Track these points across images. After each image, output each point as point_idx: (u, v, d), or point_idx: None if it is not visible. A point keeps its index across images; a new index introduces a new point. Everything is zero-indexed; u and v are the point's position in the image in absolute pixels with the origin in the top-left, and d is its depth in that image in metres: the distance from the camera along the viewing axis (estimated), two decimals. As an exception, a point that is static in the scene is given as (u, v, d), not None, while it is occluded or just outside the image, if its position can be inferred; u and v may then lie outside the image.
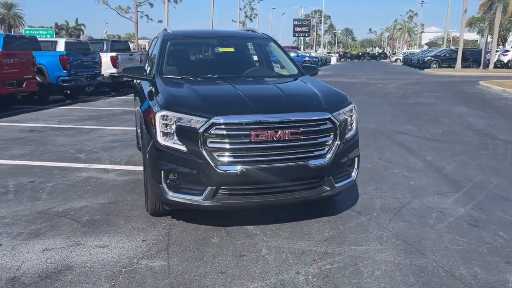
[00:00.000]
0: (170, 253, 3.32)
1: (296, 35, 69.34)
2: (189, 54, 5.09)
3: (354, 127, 3.95)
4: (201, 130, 3.31)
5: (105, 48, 18.15)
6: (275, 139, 3.38)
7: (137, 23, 41.00)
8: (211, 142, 3.34)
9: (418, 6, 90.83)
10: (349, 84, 20.86)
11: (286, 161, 3.46)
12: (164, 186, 3.49)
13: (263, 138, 3.36)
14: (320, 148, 3.58)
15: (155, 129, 3.49)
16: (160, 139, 3.47)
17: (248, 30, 5.80)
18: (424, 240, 3.55)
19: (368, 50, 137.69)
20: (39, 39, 15.75)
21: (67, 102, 13.47)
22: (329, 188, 3.67)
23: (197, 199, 3.43)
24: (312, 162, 3.53)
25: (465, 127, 8.89)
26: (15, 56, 11.18)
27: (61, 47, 15.64)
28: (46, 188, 4.87)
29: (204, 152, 3.33)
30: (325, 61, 53.51)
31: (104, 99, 14.43)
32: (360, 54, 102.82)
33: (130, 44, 25.32)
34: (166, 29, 5.30)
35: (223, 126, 3.33)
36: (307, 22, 69.92)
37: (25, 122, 9.56)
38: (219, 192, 3.42)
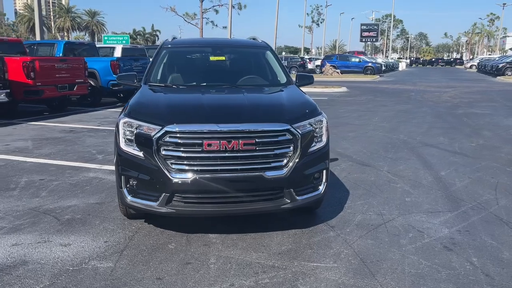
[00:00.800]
0: (122, 255, 3.43)
1: (364, 40, 67.74)
2: (182, 62, 5.20)
3: (323, 139, 3.84)
4: (155, 138, 3.40)
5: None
6: (228, 149, 3.38)
7: (202, 29, 42.45)
8: (164, 149, 3.42)
9: (500, 9, 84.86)
10: (403, 91, 20.04)
11: (240, 172, 3.44)
12: (125, 190, 3.62)
13: (215, 147, 3.37)
14: (278, 160, 3.52)
15: (119, 135, 3.64)
16: (122, 145, 3.61)
17: (253, 39, 5.82)
18: (383, 261, 3.36)
19: (444, 55, 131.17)
20: (103, 45, 16.88)
21: (117, 104, 14.24)
22: (289, 201, 3.60)
23: (153, 205, 3.52)
24: (269, 174, 3.48)
25: (506, 141, 8.21)
26: (68, 61, 12.04)
27: (118, 52, 16.62)
28: (50, 186, 5.22)
29: (158, 159, 3.42)
30: (391, 67, 51.80)
31: (152, 102, 15.05)
32: (433, 60, 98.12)
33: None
34: (168, 39, 5.48)
35: (175, 135, 3.39)
36: (375, 26, 68.04)
37: (69, 123, 10.27)
38: (173, 199, 3.48)
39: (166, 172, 3.41)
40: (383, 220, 4.20)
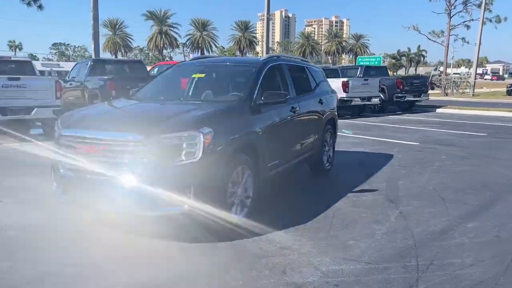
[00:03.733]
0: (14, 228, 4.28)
1: None
2: (171, 80, 5.73)
3: (197, 155, 3.77)
4: (56, 138, 4.18)
5: (358, 72, 19.19)
6: (90, 153, 3.85)
7: (447, 47, 39.34)
8: (61, 148, 4.14)
9: None
10: None
11: (102, 175, 3.84)
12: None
13: (83, 150, 3.90)
14: (132, 168, 3.73)
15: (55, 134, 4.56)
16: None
17: (277, 56, 5.80)
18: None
19: None
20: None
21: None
22: (147, 209, 3.76)
23: (58, 192, 4.27)
24: (124, 180, 3.75)
25: None
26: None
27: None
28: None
29: (59, 155, 4.17)
30: None
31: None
32: None
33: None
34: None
35: (63, 137, 4.08)
36: None
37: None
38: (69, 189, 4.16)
39: (60, 166, 4.13)
40: (262, 252, 3.76)
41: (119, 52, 78.46)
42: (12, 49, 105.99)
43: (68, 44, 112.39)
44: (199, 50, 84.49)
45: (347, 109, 17.60)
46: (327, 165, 6.88)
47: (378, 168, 7.21)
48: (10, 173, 6.70)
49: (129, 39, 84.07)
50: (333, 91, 7.35)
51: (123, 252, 3.80)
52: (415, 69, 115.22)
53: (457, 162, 7.85)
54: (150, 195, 3.72)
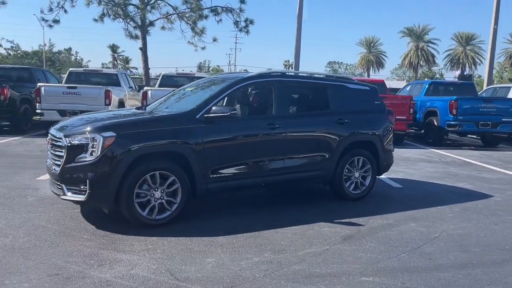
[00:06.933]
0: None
1: None
2: (179, 91, 6.25)
3: (95, 155, 4.44)
4: (50, 135, 5.53)
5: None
6: (48, 145, 5.03)
7: None
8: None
9: None
10: None
11: (51, 164, 4.96)
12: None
13: (48, 144, 5.10)
14: (59, 160, 4.70)
15: None
16: None
17: (281, 73, 5.70)
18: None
19: None
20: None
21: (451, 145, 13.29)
22: (62, 193, 4.68)
23: (50, 175, 5.61)
24: (55, 168, 4.78)
25: None
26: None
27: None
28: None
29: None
30: None
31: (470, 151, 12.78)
32: None
33: None
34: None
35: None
36: None
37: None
38: (53, 175, 5.45)
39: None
40: (123, 248, 4.09)
41: (371, 69, 79.88)
42: (286, 67, 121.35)
43: (341, 63, 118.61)
44: (460, 67, 77.72)
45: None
46: (355, 191, 6.15)
47: (426, 206, 5.99)
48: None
49: (383, 56, 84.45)
50: (379, 111, 6.50)
51: (22, 220, 4.83)
52: None
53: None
54: (63, 182, 4.63)
